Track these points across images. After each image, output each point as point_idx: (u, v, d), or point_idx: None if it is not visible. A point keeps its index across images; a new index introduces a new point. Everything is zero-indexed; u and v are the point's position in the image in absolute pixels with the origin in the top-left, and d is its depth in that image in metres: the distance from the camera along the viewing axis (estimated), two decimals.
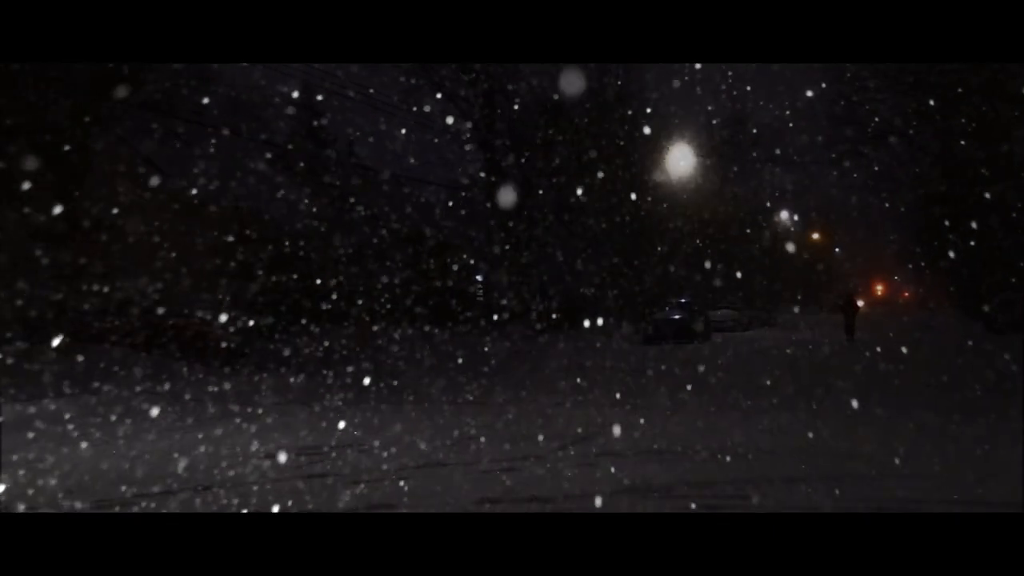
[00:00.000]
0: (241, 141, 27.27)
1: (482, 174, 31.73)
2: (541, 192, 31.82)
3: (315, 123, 38.62)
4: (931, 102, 20.01)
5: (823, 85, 22.43)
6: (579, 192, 31.61)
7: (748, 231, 48.10)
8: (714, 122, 44.28)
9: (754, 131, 46.08)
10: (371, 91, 25.23)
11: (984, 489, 5.61)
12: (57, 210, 14.98)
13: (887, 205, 38.74)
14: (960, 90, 18.05)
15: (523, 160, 31.23)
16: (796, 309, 60.59)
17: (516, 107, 30.49)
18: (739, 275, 48.31)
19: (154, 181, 20.32)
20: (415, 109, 27.65)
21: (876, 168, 27.01)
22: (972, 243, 33.96)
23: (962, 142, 21.16)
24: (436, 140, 30.70)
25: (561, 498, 5.64)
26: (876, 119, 22.48)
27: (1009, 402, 10.07)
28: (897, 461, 6.68)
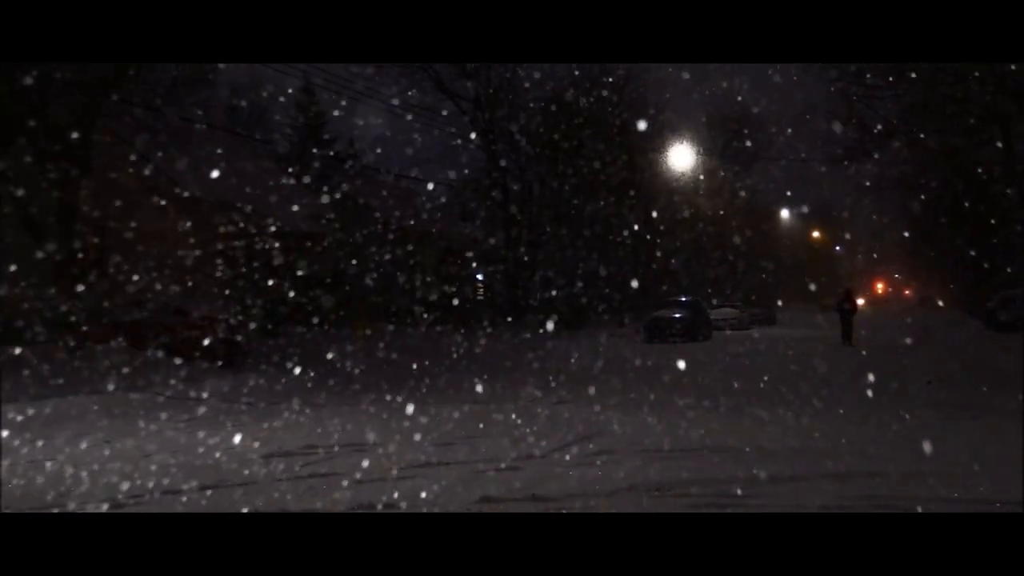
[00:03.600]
0: (243, 140, 27.30)
1: (483, 172, 31.73)
2: (542, 190, 31.82)
3: (317, 122, 38.62)
4: (932, 101, 19.98)
5: (824, 84, 22.34)
6: (580, 190, 31.60)
7: (749, 229, 48.05)
8: (713, 119, 44.22)
9: (754, 129, 46.03)
10: (373, 90, 25.22)
11: (984, 489, 5.61)
12: (58, 209, 14.99)
13: (888, 204, 38.75)
14: (961, 89, 18.03)
15: (524, 158, 31.22)
16: (797, 308, 60.59)
17: (518, 105, 30.46)
18: (740, 274, 48.34)
19: (155, 180, 20.36)
20: (416, 108, 27.65)
21: (877, 167, 26.91)
22: (973, 241, 33.96)
23: (956, 140, 21.13)
24: (437, 138, 30.74)
25: (561, 498, 5.64)
26: (877, 118, 22.41)
27: (1009, 401, 10.07)
28: (897, 460, 6.68)
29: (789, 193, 52.47)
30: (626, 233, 33.10)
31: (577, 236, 33.41)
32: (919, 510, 5.10)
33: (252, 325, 18.41)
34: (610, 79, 32.23)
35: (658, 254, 37.66)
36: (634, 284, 33.34)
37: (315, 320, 21.36)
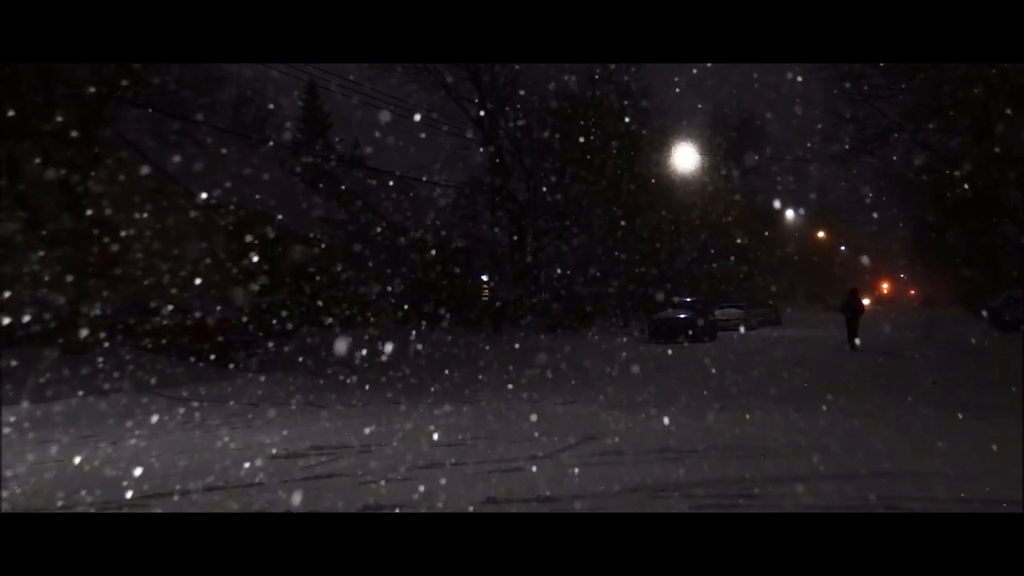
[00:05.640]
0: (249, 141, 27.35)
1: (488, 173, 31.74)
2: (546, 191, 31.81)
3: (323, 124, 38.67)
4: (935, 101, 19.93)
5: (826, 83, 22.29)
6: (585, 191, 31.59)
7: (753, 230, 47.96)
8: (717, 118, 44.13)
9: (756, 129, 45.91)
10: (377, 91, 25.24)
11: (988, 489, 5.60)
12: (61, 210, 15.02)
13: (892, 203, 38.64)
14: (964, 89, 17.99)
15: (528, 159, 31.22)
16: (801, 308, 60.52)
17: (522, 106, 30.47)
18: (744, 274, 48.26)
19: (159, 181, 20.40)
20: (420, 109, 27.67)
21: (880, 167, 26.83)
22: (977, 241, 33.89)
23: (961, 140, 21.08)
24: (443, 140, 30.76)
25: (566, 498, 5.65)
26: (880, 118, 22.34)
27: (1013, 401, 10.04)
28: (901, 460, 6.68)
29: (794, 192, 52.18)
30: (630, 234, 33.08)
31: (582, 236, 33.39)
32: (919, 510, 5.09)
33: (258, 326, 18.43)
34: (614, 79, 32.23)
35: (663, 254, 37.63)
36: (639, 285, 33.31)
37: (321, 321, 21.38)
